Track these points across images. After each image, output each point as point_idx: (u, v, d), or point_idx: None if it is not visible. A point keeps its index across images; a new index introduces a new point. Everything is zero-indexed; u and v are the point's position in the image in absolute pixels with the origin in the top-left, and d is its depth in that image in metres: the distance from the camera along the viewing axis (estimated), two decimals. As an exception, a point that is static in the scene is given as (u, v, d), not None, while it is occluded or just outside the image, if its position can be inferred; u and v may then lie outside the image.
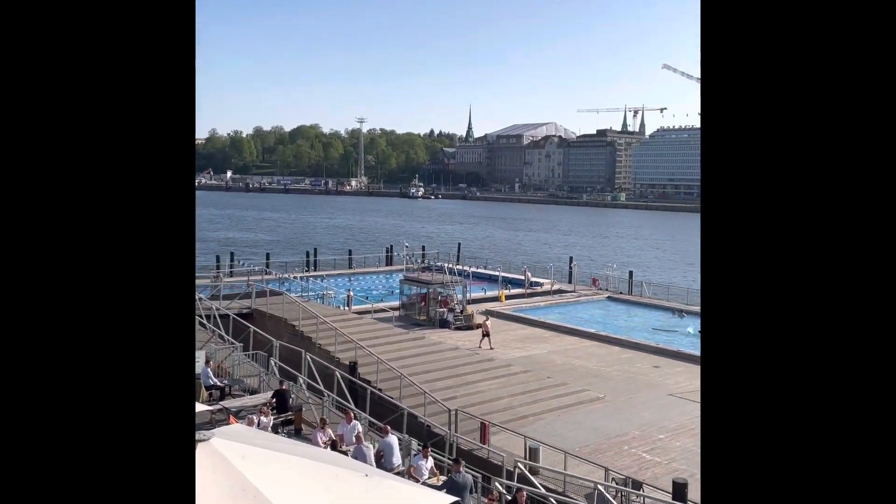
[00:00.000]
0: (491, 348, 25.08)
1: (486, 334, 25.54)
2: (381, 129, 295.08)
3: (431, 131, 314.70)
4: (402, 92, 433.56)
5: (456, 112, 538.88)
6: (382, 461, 12.48)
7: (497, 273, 40.42)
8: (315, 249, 48.48)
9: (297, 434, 14.61)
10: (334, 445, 12.86)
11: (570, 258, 46.00)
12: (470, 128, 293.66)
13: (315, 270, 42.99)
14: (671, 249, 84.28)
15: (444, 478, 12.06)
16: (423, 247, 52.97)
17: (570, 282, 40.95)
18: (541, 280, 40.09)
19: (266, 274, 34.22)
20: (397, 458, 12.88)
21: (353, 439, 13.08)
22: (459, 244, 54.82)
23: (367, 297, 33.86)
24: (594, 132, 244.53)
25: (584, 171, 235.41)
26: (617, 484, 13.71)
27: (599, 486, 13.10)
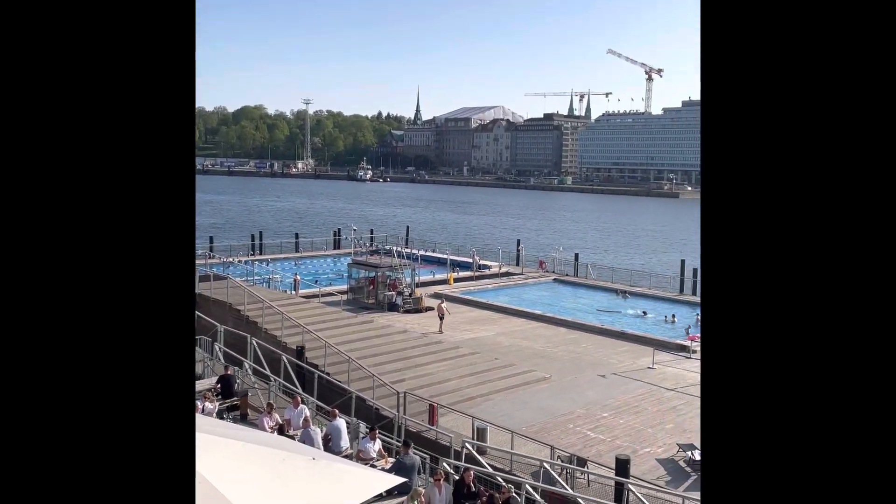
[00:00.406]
0: (441, 331, 25.23)
1: (441, 317, 25.69)
2: (327, 111, 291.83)
3: (379, 113, 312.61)
4: (349, 74, 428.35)
5: (404, 94, 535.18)
6: (330, 444, 12.44)
7: (446, 256, 40.53)
8: (260, 233, 47.69)
9: (243, 419, 14.42)
10: (281, 430, 12.74)
11: (518, 241, 46.47)
12: (418, 110, 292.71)
13: (260, 254, 42.32)
14: (616, 232, 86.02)
15: (392, 460, 12.11)
16: (372, 230, 52.67)
17: (517, 264, 41.40)
18: (489, 263, 40.44)
19: (210, 258, 33.49)
20: (345, 442, 12.85)
21: (301, 423, 12.99)
22: (408, 227, 54.69)
23: (317, 281, 33.53)
24: (541, 116, 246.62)
25: (531, 155, 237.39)
26: (562, 461, 14.01)
27: (545, 464, 13.37)
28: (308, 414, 13.58)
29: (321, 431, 12.78)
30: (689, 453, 14.99)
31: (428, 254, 41.76)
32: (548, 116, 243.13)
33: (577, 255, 42.59)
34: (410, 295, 29.42)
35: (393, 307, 28.63)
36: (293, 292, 29.68)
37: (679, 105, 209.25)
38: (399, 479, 8.56)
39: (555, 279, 38.20)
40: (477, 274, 37.49)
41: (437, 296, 29.80)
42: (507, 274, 38.62)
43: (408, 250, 38.40)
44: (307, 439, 11.94)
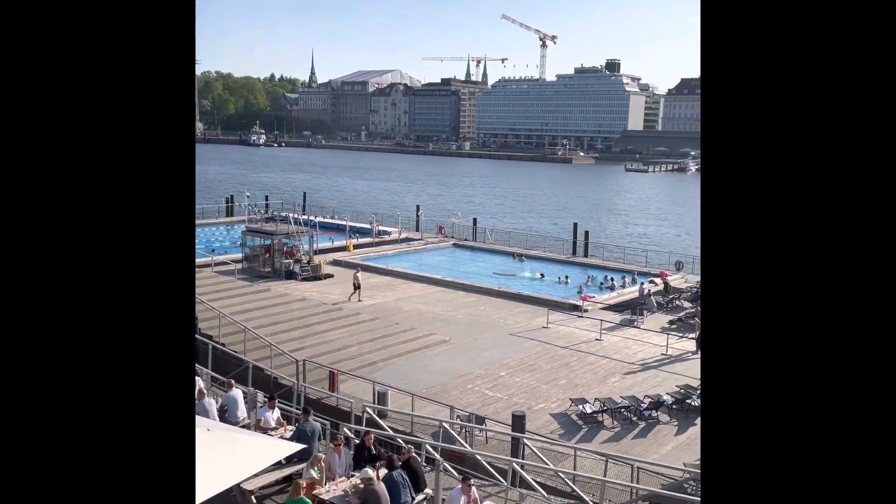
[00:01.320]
0: (360, 301, 24.99)
1: (357, 286, 25.39)
2: (216, 72, 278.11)
3: (272, 76, 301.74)
4: (238, 34, 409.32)
5: (297, 56, 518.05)
6: (227, 415, 12.17)
7: (345, 222, 40.05)
8: (147, 200, 45.19)
9: (133, 395, 13.83)
10: (174, 404, 12.33)
11: (417, 206, 46.56)
12: (313, 73, 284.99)
13: (148, 223, 40.19)
14: (512, 197, 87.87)
15: (291, 428, 12.00)
16: (267, 196, 51.17)
17: (417, 230, 41.53)
18: (388, 229, 40.32)
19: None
20: (242, 412, 12.62)
21: (195, 396, 12.60)
22: (305, 193, 53.52)
23: (214, 250, 32.30)
24: (439, 81, 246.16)
25: (429, 120, 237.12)
26: (461, 420, 14.37)
27: (444, 424, 13.66)
28: (202, 386, 13.19)
29: (217, 403, 12.47)
30: (580, 407, 15.75)
31: (326, 220, 41.10)
32: (445, 81, 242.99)
33: (475, 220, 43.20)
34: (308, 262, 28.93)
35: (290, 275, 28.07)
36: (184, 262, 28.47)
37: (572, 72, 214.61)
38: (297, 446, 8.51)
39: (454, 244, 38.65)
40: (377, 240, 37.33)
41: (331, 263, 29.50)
42: (407, 240, 38.71)
43: (305, 217, 37.59)
44: (202, 411, 11.61)
